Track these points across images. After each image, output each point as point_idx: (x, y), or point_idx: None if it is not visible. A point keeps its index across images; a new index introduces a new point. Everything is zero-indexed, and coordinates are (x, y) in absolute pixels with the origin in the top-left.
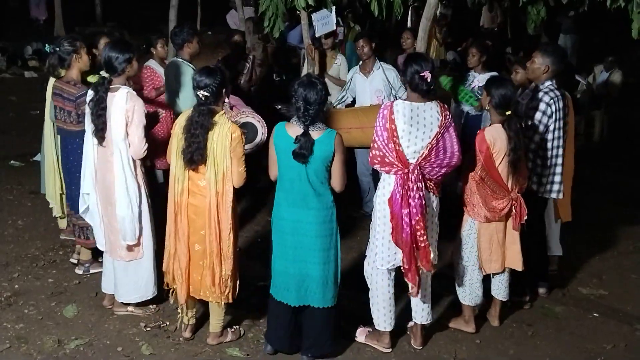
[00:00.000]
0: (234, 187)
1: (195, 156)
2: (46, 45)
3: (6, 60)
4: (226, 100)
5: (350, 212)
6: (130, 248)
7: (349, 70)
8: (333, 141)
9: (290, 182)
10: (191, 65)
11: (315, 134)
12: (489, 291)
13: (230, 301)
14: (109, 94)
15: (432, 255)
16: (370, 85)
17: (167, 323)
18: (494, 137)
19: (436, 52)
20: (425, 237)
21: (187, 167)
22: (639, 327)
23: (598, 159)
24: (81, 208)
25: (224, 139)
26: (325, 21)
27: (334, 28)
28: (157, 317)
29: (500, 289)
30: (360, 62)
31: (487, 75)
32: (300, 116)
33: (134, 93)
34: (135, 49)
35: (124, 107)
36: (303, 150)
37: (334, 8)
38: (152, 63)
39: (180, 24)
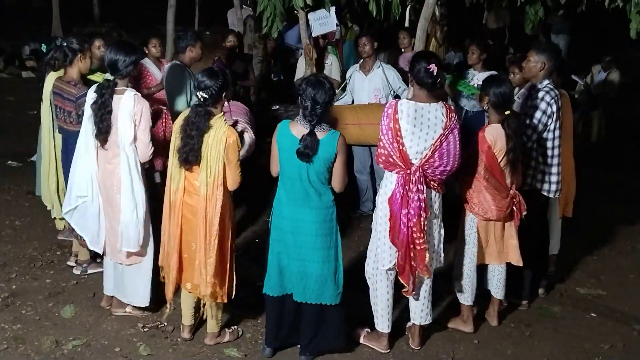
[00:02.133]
0: (228, 190)
1: (190, 157)
2: (43, 45)
3: (3, 60)
4: (225, 103)
5: (348, 212)
6: (130, 252)
7: (340, 71)
8: (336, 142)
9: (291, 180)
10: (188, 70)
11: (320, 134)
12: (486, 291)
13: (225, 301)
14: (115, 96)
15: (427, 259)
16: (369, 83)
17: (165, 324)
18: (495, 137)
19: (436, 51)
20: (422, 240)
21: (182, 167)
22: (636, 327)
23: (596, 158)
24: (64, 209)
25: (219, 143)
26: (324, 21)
27: (334, 28)
28: (155, 317)
29: (498, 287)
30: (360, 60)
31: (487, 74)
32: (306, 115)
33: (140, 96)
34: (139, 51)
35: (131, 110)
36: (308, 150)
37: (333, 8)
38: (146, 62)
39: (184, 28)
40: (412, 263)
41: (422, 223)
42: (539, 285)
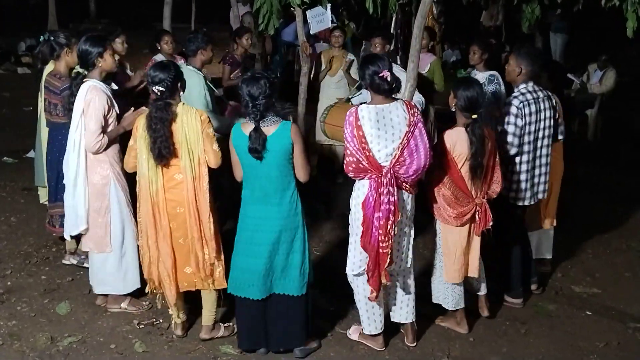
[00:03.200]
0: (209, 169)
1: (163, 150)
2: (41, 37)
3: None
4: (181, 93)
5: (344, 209)
6: (94, 240)
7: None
8: (289, 132)
9: (253, 179)
10: (201, 73)
11: (270, 128)
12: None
13: (225, 286)
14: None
15: (386, 264)
16: None
17: (161, 320)
18: (454, 140)
19: (436, 50)
20: (386, 244)
21: (158, 164)
22: (631, 325)
23: (592, 157)
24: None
25: (195, 123)
26: (320, 18)
27: (329, 25)
28: (151, 314)
29: (477, 286)
30: None
31: (487, 73)
32: (249, 113)
33: (97, 87)
34: (109, 43)
35: (82, 99)
36: (255, 145)
37: (329, 5)
38: (158, 57)
39: (195, 31)
40: (380, 268)
41: (389, 227)
42: (530, 284)
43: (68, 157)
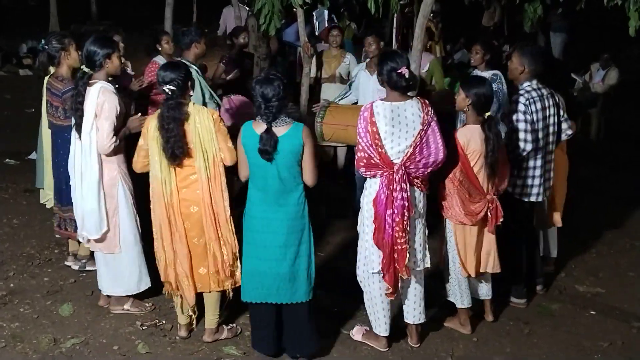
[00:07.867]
0: (225, 167)
1: (176, 150)
2: (42, 40)
3: (1, 59)
4: (191, 92)
5: (346, 211)
6: (103, 241)
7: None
8: (301, 134)
9: (261, 179)
10: (195, 67)
11: (282, 129)
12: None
13: (239, 284)
14: (88, 88)
15: (406, 260)
16: (374, 84)
17: (164, 321)
18: (468, 138)
19: (434, 50)
20: (404, 240)
21: (171, 164)
22: (635, 325)
23: (595, 156)
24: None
25: (208, 122)
26: (322, 19)
27: (326, 25)
28: (154, 315)
29: (483, 290)
30: (367, 59)
31: (490, 72)
32: (261, 114)
33: (109, 88)
34: (116, 45)
35: (95, 101)
36: (266, 147)
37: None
38: (158, 58)
39: (188, 25)
40: (396, 265)
41: (405, 222)
42: (535, 285)
43: (74, 159)
